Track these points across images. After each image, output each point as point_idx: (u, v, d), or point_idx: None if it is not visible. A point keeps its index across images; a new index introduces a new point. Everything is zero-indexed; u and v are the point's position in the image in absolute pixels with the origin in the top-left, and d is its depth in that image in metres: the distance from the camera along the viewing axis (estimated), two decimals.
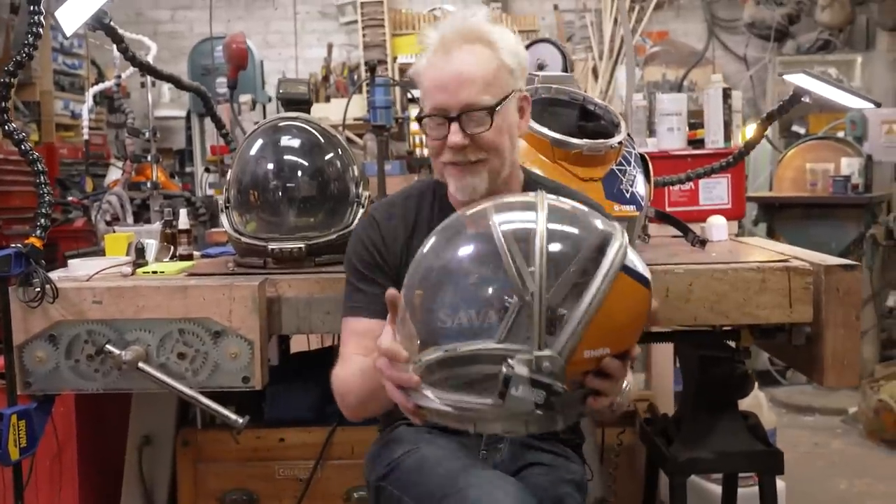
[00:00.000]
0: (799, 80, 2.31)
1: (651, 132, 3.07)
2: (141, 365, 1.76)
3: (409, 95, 3.92)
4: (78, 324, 1.78)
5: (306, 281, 1.87)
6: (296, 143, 2.04)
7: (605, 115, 2.02)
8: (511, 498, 1.38)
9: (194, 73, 5.41)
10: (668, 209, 2.67)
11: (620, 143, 1.93)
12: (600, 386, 1.27)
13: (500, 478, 1.45)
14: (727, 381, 2.01)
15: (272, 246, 1.94)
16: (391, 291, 1.32)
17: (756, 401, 2.91)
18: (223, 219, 2.05)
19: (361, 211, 2.00)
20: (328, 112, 5.65)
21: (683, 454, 1.98)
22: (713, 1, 6.94)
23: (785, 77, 2.39)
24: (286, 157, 2.04)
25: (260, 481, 2.31)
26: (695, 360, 2.04)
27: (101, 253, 2.29)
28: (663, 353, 2.82)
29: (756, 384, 2.15)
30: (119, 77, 4.11)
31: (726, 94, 2.81)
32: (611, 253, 1.24)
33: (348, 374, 1.55)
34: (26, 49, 1.78)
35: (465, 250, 1.33)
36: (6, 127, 1.81)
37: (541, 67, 2.43)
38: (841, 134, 5.32)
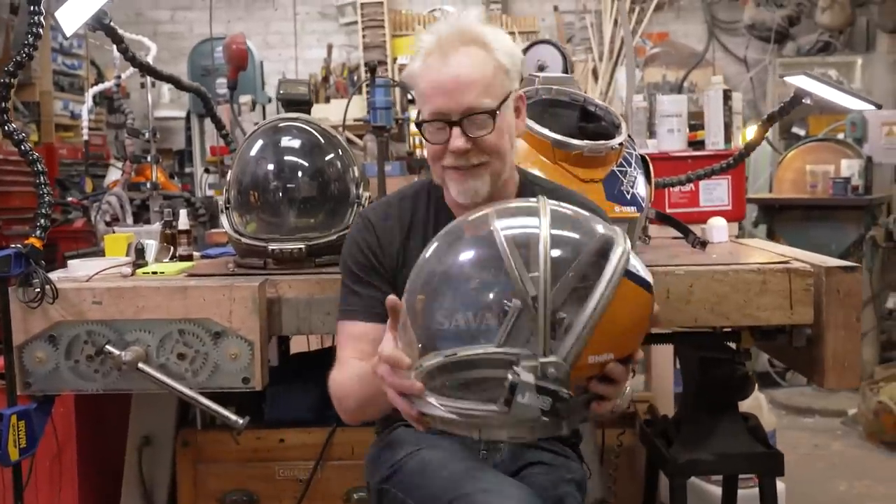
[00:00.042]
0: (800, 81, 2.31)
1: (651, 133, 3.06)
2: (141, 365, 1.75)
3: (409, 96, 3.92)
4: (78, 324, 1.78)
5: (306, 282, 1.87)
6: (296, 143, 2.04)
7: (606, 116, 2.02)
8: None
9: (194, 74, 5.41)
10: (668, 210, 2.67)
11: (621, 144, 1.92)
12: (604, 391, 1.27)
13: (508, 483, 1.45)
14: (727, 383, 2.01)
15: (272, 246, 1.94)
16: (392, 298, 1.31)
17: (756, 402, 2.91)
18: (223, 219, 2.04)
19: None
20: (328, 113, 5.64)
21: (683, 455, 1.98)
22: (713, 2, 6.94)
23: (786, 79, 2.39)
24: (286, 157, 2.03)
25: (260, 482, 2.31)
26: (695, 361, 2.04)
27: (100, 253, 2.29)
28: (663, 355, 2.82)
29: (756, 386, 2.15)
30: (119, 77, 4.12)
31: (727, 96, 2.80)
32: (614, 258, 1.24)
33: (345, 378, 1.54)
34: (26, 49, 1.78)
35: (468, 255, 1.32)
36: (6, 127, 1.81)
37: (541, 69, 2.44)
38: (841, 136, 5.32)
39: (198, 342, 1.78)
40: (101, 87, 4.63)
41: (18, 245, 1.76)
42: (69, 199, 4.42)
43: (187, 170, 5.96)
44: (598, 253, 1.26)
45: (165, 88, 6.30)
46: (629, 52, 3.78)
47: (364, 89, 2.92)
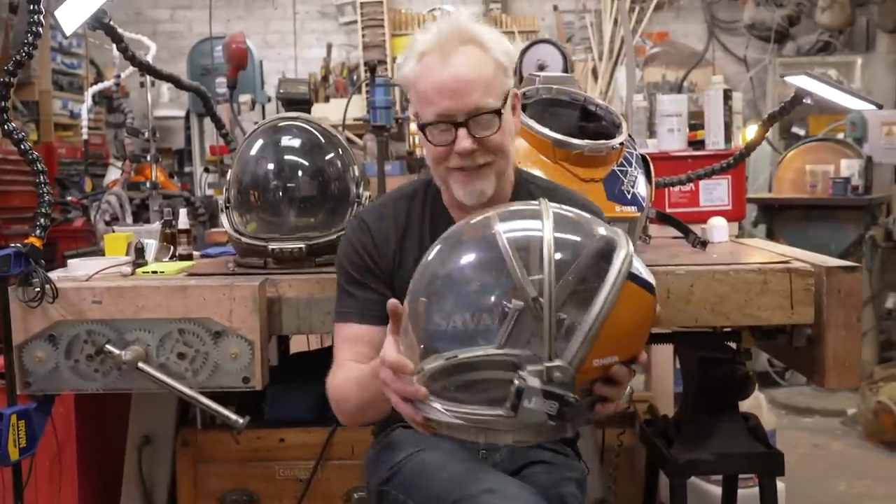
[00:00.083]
0: (800, 81, 2.31)
1: (651, 133, 3.06)
2: (141, 365, 1.75)
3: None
4: (77, 324, 1.78)
5: (307, 281, 1.87)
6: (296, 143, 2.04)
7: (607, 115, 2.02)
8: None
9: (193, 73, 5.41)
10: (668, 210, 2.66)
11: (622, 143, 1.92)
12: (608, 393, 1.27)
13: (510, 483, 1.45)
14: (728, 383, 2.01)
15: (272, 246, 1.94)
16: (393, 301, 1.31)
17: (756, 402, 2.91)
18: (223, 219, 2.04)
19: None
20: (327, 112, 5.64)
21: (684, 455, 1.98)
22: (713, 2, 6.94)
23: (787, 79, 2.39)
24: (286, 157, 2.03)
25: (260, 482, 2.31)
26: (695, 361, 2.04)
27: (100, 253, 2.28)
28: (663, 355, 2.81)
29: (756, 385, 2.15)
30: (118, 77, 4.11)
31: (727, 96, 2.80)
32: (617, 261, 1.24)
33: (343, 381, 1.53)
34: (26, 48, 1.78)
35: (471, 258, 1.31)
36: (6, 126, 1.80)
37: (541, 68, 2.43)
38: (841, 135, 5.32)
39: (198, 342, 1.77)
40: (100, 86, 4.63)
41: (18, 244, 1.76)
42: (68, 198, 4.42)
43: (186, 169, 5.96)
44: (600, 255, 1.26)
45: (165, 88, 6.31)
46: (629, 52, 3.78)
47: (364, 89, 2.92)
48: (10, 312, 1.77)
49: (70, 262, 1.96)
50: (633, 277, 1.25)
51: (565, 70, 2.44)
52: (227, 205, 2.04)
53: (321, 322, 1.84)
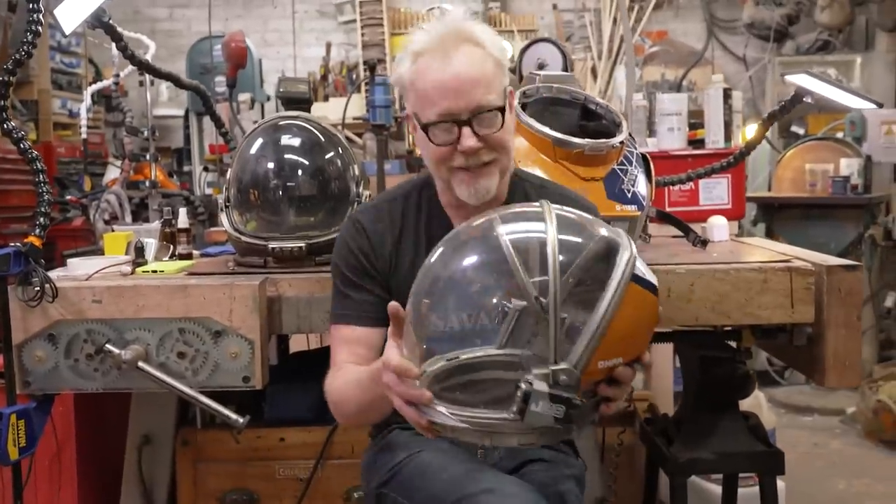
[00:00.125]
0: (801, 80, 2.31)
1: (651, 132, 3.06)
2: (141, 364, 1.75)
3: None
4: (77, 323, 1.77)
5: (307, 280, 1.87)
6: (296, 142, 2.03)
7: (607, 114, 2.02)
8: None
9: (192, 72, 5.41)
10: (667, 209, 2.66)
11: (622, 142, 1.92)
12: (613, 394, 1.28)
13: (510, 482, 1.45)
14: (728, 382, 2.01)
15: (272, 245, 1.94)
16: (394, 305, 1.30)
17: (756, 401, 2.91)
18: (223, 218, 2.04)
19: None
20: (327, 111, 5.64)
21: (684, 454, 1.98)
22: (712, 1, 6.94)
23: (787, 77, 2.39)
24: (287, 155, 2.03)
25: (260, 481, 2.31)
26: (696, 360, 2.04)
27: (99, 252, 2.28)
28: (663, 353, 2.81)
29: (756, 384, 2.15)
30: (117, 76, 4.10)
31: (727, 95, 2.80)
32: (621, 263, 1.24)
33: (342, 383, 1.53)
34: (25, 47, 1.77)
35: (474, 260, 1.31)
36: (5, 125, 1.80)
37: (541, 67, 2.43)
38: (840, 134, 5.32)
39: (198, 341, 1.77)
40: (99, 85, 4.61)
41: (18, 244, 1.75)
42: (68, 197, 4.41)
43: (185, 168, 5.96)
44: (602, 257, 1.26)
45: (164, 87, 6.30)
46: (628, 51, 3.76)
47: (363, 87, 2.92)
48: (10, 312, 1.77)
49: (70, 261, 1.95)
50: (636, 279, 1.25)
51: (565, 69, 2.44)
52: (227, 204, 2.03)
53: (321, 321, 1.83)
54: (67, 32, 1.96)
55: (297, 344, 2.70)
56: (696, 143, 2.89)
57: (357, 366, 1.52)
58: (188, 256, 2.13)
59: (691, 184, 2.71)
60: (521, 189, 1.64)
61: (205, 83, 2.75)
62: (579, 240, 1.28)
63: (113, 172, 4.61)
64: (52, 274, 1.80)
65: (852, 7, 6.36)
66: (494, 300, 1.22)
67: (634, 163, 1.96)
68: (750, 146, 2.47)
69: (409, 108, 1.54)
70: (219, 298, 1.76)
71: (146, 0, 7.09)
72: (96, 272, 1.88)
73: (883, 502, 3.44)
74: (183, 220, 2.15)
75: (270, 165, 2.01)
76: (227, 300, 1.76)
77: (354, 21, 6.81)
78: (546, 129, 1.89)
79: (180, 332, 1.77)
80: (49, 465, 2.26)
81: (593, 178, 1.88)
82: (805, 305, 1.80)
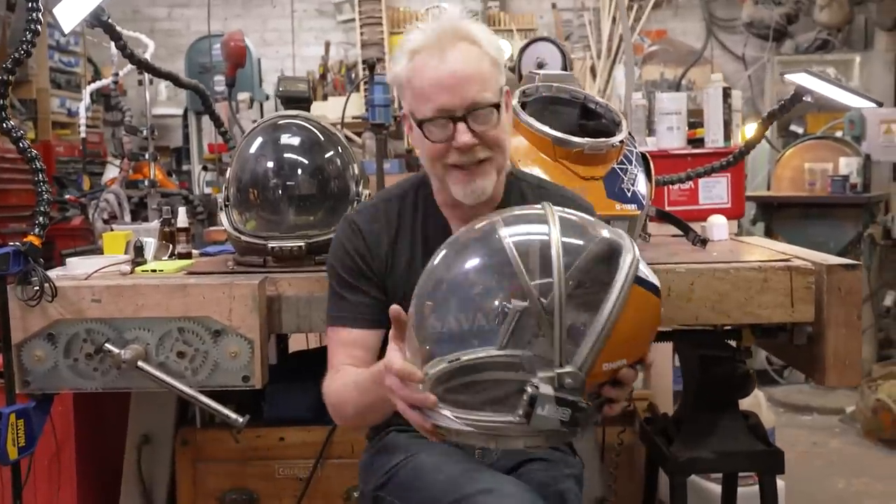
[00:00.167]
0: (800, 79, 2.31)
1: (650, 131, 3.06)
2: (140, 364, 1.75)
3: None
4: (77, 322, 1.77)
5: (306, 279, 1.86)
6: (296, 141, 2.03)
7: (606, 113, 2.02)
8: None
9: (191, 71, 5.40)
10: (667, 208, 2.66)
11: (622, 141, 1.92)
12: (616, 395, 1.28)
13: (507, 482, 1.45)
14: (728, 381, 2.01)
15: (272, 244, 1.93)
16: (395, 308, 1.30)
17: (755, 400, 2.91)
18: (222, 217, 2.04)
19: None
20: (325, 110, 5.63)
21: (684, 454, 1.98)
22: (711, 0, 6.94)
23: (787, 76, 2.39)
24: (286, 155, 2.03)
25: (260, 481, 2.31)
26: (695, 359, 2.03)
27: (98, 251, 2.28)
28: (662, 353, 2.81)
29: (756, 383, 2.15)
30: (116, 75, 4.10)
31: (726, 94, 2.80)
32: (624, 266, 1.24)
33: (341, 385, 1.52)
34: (24, 46, 1.77)
35: (478, 263, 1.31)
36: (4, 125, 1.79)
37: (540, 66, 2.43)
38: (839, 133, 5.32)
39: (197, 340, 1.77)
40: (98, 84, 4.62)
41: (17, 243, 1.75)
42: (67, 196, 4.41)
43: (184, 167, 5.95)
44: (604, 259, 1.26)
45: (163, 86, 6.30)
46: (628, 50, 3.76)
47: (362, 87, 2.91)
48: (9, 311, 1.76)
49: (69, 260, 1.95)
50: (639, 281, 1.25)
51: (564, 68, 2.44)
52: (227, 203, 2.03)
53: (321, 320, 1.82)
54: (66, 31, 1.97)
55: (297, 343, 2.70)
56: (696, 142, 2.89)
57: (355, 368, 1.52)
58: (187, 256, 2.12)
59: (691, 183, 2.71)
60: (518, 189, 1.63)
61: (204, 82, 2.75)
62: (582, 242, 1.28)
63: (112, 171, 4.61)
64: (52, 273, 1.79)
65: (851, 6, 6.36)
66: (496, 302, 1.22)
67: (634, 162, 1.96)
68: (749, 145, 2.47)
69: (405, 107, 1.54)
70: (218, 298, 1.76)
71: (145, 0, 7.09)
72: (95, 271, 1.87)
73: (882, 501, 3.44)
74: (182, 219, 2.15)
75: (270, 164, 2.01)
76: (227, 299, 1.76)
77: (353, 20, 6.80)
78: (546, 129, 1.89)
79: (180, 331, 1.77)
80: (48, 465, 2.26)
81: (593, 178, 1.88)
82: (805, 304, 1.80)
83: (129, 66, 2.34)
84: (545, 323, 1.19)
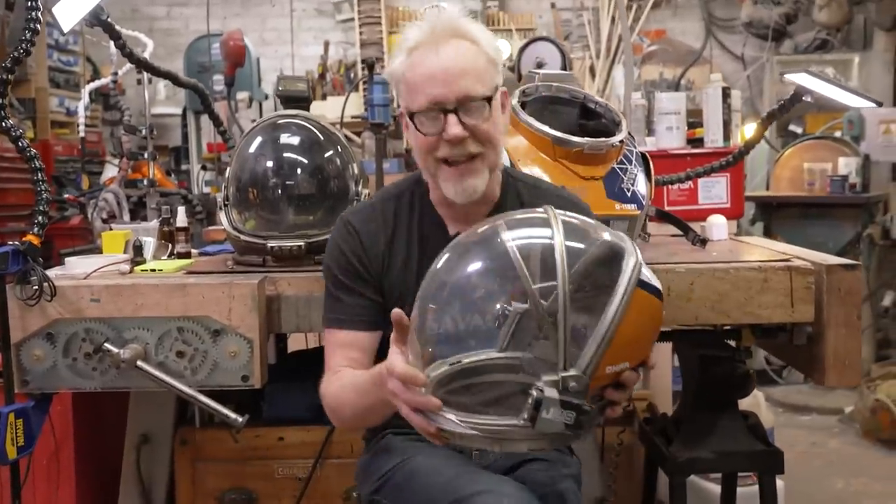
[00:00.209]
0: (800, 79, 2.31)
1: (650, 131, 3.06)
2: (139, 363, 1.75)
3: None
4: (76, 322, 1.77)
5: (306, 279, 1.86)
6: (295, 140, 2.03)
7: (606, 113, 2.02)
8: None
9: (190, 71, 5.39)
10: (666, 208, 2.67)
11: (621, 141, 1.92)
12: (618, 397, 1.28)
13: (504, 483, 1.44)
14: (728, 381, 2.01)
15: (272, 244, 1.93)
16: (397, 312, 1.30)
17: (754, 400, 2.90)
18: (222, 216, 2.03)
19: None
20: (325, 110, 5.62)
21: (683, 454, 1.98)
22: (710, 0, 6.94)
23: (786, 76, 2.39)
24: (286, 154, 2.02)
25: (259, 480, 2.31)
26: (695, 359, 2.03)
27: (97, 251, 2.27)
28: (662, 353, 2.81)
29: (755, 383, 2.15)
30: (115, 74, 4.09)
31: (726, 94, 2.80)
32: (627, 269, 1.24)
33: (338, 387, 1.52)
34: (23, 45, 1.76)
35: (481, 267, 1.31)
36: (3, 124, 1.79)
37: (540, 66, 2.43)
38: (838, 133, 5.32)
39: (197, 340, 1.77)
40: (97, 83, 4.60)
41: (16, 242, 1.75)
42: (65, 195, 4.40)
43: (184, 167, 5.95)
44: (606, 262, 1.26)
45: (161, 85, 6.28)
46: (627, 50, 3.76)
47: (361, 86, 2.91)
48: (8, 310, 1.76)
49: (68, 259, 1.95)
50: (642, 284, 1.25)
51: (564, 67, 2.44)
52: (226, 202, 2.03)
53: (321, 320, 1.83)
54: (65, 30, 1.96)
55: (296, 343, 2.69)
56: (695, 142, 2.89)
57: (353, 370, 1.52)
58: (187, 255, 2.12)
59: (690, 183, 2.71)
60: (515, 189, 1.63)
61: (203, 82, 2.74)
62: (584, 245, 1.28)
63: (111, 171, 4.60)
64: (51, 273, 1.79)
65: (850, 6, 6.35)
66: (498, 305, 1.23)
67: (634, 162, 1.96)
68: (749, 145, 2.47)
69: (401, 103, 1.54)
70: (218, 297, 1.76)
71: None
72: (94, 271, 1.87)
73: (881, 501, 3.44)
74: (181, 218, 2.15)
75: (269, 164, 2.01)
76: (226, 299, 1.75)
77: (352, 19, 6.80)
78: (545, 128, 1.89)
79: (179, 331, 1.77)
80: (47, 465, 2.26)
81: (593, 177, 1.88)
82: (805, 305, 1.80)
83: (128, 66, 2.34)
84: (547, 326, 1.19)
